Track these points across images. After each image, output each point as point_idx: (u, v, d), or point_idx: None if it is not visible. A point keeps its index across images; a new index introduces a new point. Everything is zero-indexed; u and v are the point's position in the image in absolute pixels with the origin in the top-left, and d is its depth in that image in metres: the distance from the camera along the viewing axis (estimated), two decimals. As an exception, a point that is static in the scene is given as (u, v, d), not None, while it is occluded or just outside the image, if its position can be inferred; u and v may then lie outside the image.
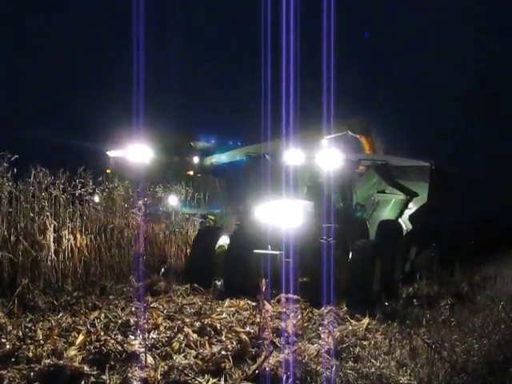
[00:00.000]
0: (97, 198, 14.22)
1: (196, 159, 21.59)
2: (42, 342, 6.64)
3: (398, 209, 14.37)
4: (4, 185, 10.53)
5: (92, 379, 5.72)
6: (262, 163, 12.86)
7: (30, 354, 6.22)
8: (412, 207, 14.46)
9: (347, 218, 12.23)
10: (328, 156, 12.30)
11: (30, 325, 7.69)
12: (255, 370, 6.09)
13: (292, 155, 12.65)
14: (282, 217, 11.48)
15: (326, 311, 9.44)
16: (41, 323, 7.80)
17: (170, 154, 19.29)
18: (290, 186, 12.35)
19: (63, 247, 11.21)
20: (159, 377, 5.83)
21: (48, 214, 11.05)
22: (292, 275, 9.99)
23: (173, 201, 17.49)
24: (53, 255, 10.76)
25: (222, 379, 6.02)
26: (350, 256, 11.16)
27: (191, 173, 21.09)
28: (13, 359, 6.12)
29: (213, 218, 17.39)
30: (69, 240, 11.40)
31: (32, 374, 5.70)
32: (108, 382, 5.74)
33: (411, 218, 14.55)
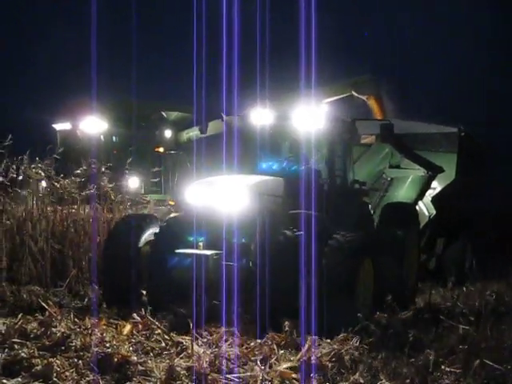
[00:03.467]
0: (44, 183, 11.95)
1: (168, 133, 18.14)
2: (90, 331, 6.90)
3: (416, 188, 11.89)
4: None
5: (139, 367, 6.01)
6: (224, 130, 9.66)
7: (79, 343, 6.49)
8: (436, 187, 12.28)
9: (337, 201, 9.02)
10: (307, 113, 8.97)
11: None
12: (299, 359, 6.22)
13: (259, 115, 9.35)
14: (223, 200, 8.17)
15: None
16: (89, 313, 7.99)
17: (133, 127, 15.97)
18: (252, 156, 9.30)
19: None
20: (205, 365, 5.98)
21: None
22: (237, 287, 7.29)
23: (134, 184, 14.70)
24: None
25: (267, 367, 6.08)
26: (324, 258, 7.75)
27: (161, 149, 17.82)
28: (62, 347, 6.42)
29: (173, 203, 14.19)
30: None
31: (80, 361, 6.01)
32: (155, 369, 6.00)
33: (435, 200, 12.32)
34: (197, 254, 7.83)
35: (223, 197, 8.13)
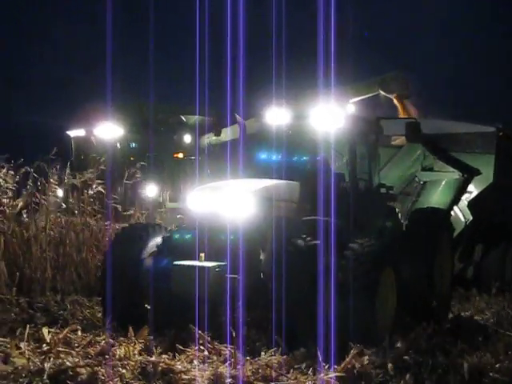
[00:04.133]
0: (60, 192, 11.92)
1: (188, 138, 17.56)
2: (133, 339, 6.97)
3: (451, 193, 11.36)
4: None
5: (183, 376, 6.01)
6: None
7: (123, 351, 6.56)
8: (473, 190, 11.65)
9: (359, 207, 8.35)
10: (326, 112, 8.31)
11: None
12: (344, 367, 6.22)
13: (275, 114, 8.73)
14: (226, 207, 7.54)
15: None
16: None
17: (151, 132, 15.41)
18: (268, 159, 8.77)
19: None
20: (249, 373, 6.07)
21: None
22: (242, 304, 6.91)
23: (151, 192, 14.23)
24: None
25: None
26: (336, 269, 7.14)
27: (180, 155, 17.24)
28: (106, 356, 6.44)
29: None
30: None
31: (125, 370, 6.08)
32: (199, 378, 6.00)
33: (472, 204, 11.69)
34: (197, 267, 7.18)
35: (227, 203, 7.50)
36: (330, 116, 8.23)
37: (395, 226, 9.13)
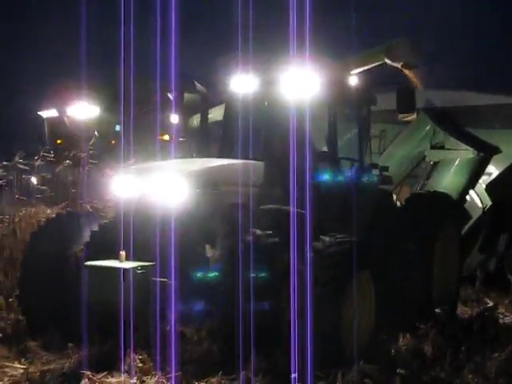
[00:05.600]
0: (34, 180, 11.53)
1: (175, 118, 16.22)
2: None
3: (465, 174, 10.47)
4: None
5: None
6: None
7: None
8: (492, 171, 10.65)
9: (340, 191, 7.26)
10: (300, 76, 7.11)
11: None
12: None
13: (239, 80, 7.63)
14: (155, 193, 6.24)
15: None
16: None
17: (132, 110, 14.12)
18: (232, 135, 7.64)
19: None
20: None
21: None
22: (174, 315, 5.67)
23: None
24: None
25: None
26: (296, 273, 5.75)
27: (166, 137, 15.96)
28: None
29: None
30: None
31: None
32: None
33: (491, 188, 10.65)
34: (113, 268, 5.91)
35: (156, 187, 6.23)
36: (304, 81, 6.99)
37: (388, 216, 7.84)
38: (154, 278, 5.78)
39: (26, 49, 26.62)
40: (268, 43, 8.44)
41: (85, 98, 13.78)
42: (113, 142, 14.61)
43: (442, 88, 11.49)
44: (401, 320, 6.90)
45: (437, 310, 7.49)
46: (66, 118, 14.76)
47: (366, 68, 13.74)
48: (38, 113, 15.43)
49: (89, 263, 6.12)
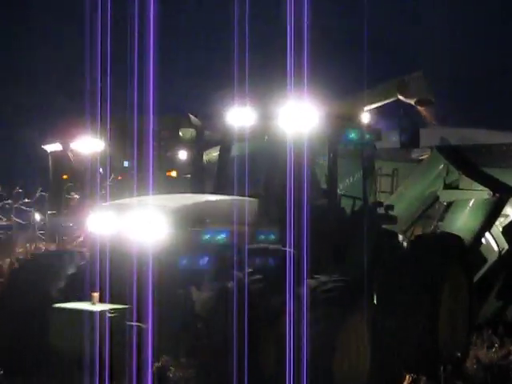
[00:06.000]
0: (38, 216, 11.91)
1: (183, 154, 16.20)
2: None
3: (481, 216, 10.19)
4: None
5: None
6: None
7: None
8: (509, 214, 10.46)
9: (340, 230, 7.03)
10: (299, 111, 6.97)
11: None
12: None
13: (237, 114, 7.51)
14: (132, 231, 5.94)
15: None
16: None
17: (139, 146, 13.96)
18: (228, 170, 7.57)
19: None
20: None
21: None
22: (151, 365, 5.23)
23: None
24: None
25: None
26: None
27: (173, 174, 15.91)
28: None
29: None
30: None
31: None
32: None
33: (508, 230, 10.38)
34: (81, 311, 5.59)
35: (132, 225, 5.96)
36: (302, 115, 6.86)
37: (389, 258, 7.54)
38: (128, 322, 5.42)
39: (31, 79, 27.00)
40: (267, 79, 8.36)
41: (89, 132, 13.68)
42: (119, 177, 14.51)
43: (456, 125, 11.33)
44: (400, 370, 6.52)
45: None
46: (69, 153, 14.65)
47: (377, 105, 13.54)
48: (43, 146, 15.37)
49: (57, 305, 5.82)
